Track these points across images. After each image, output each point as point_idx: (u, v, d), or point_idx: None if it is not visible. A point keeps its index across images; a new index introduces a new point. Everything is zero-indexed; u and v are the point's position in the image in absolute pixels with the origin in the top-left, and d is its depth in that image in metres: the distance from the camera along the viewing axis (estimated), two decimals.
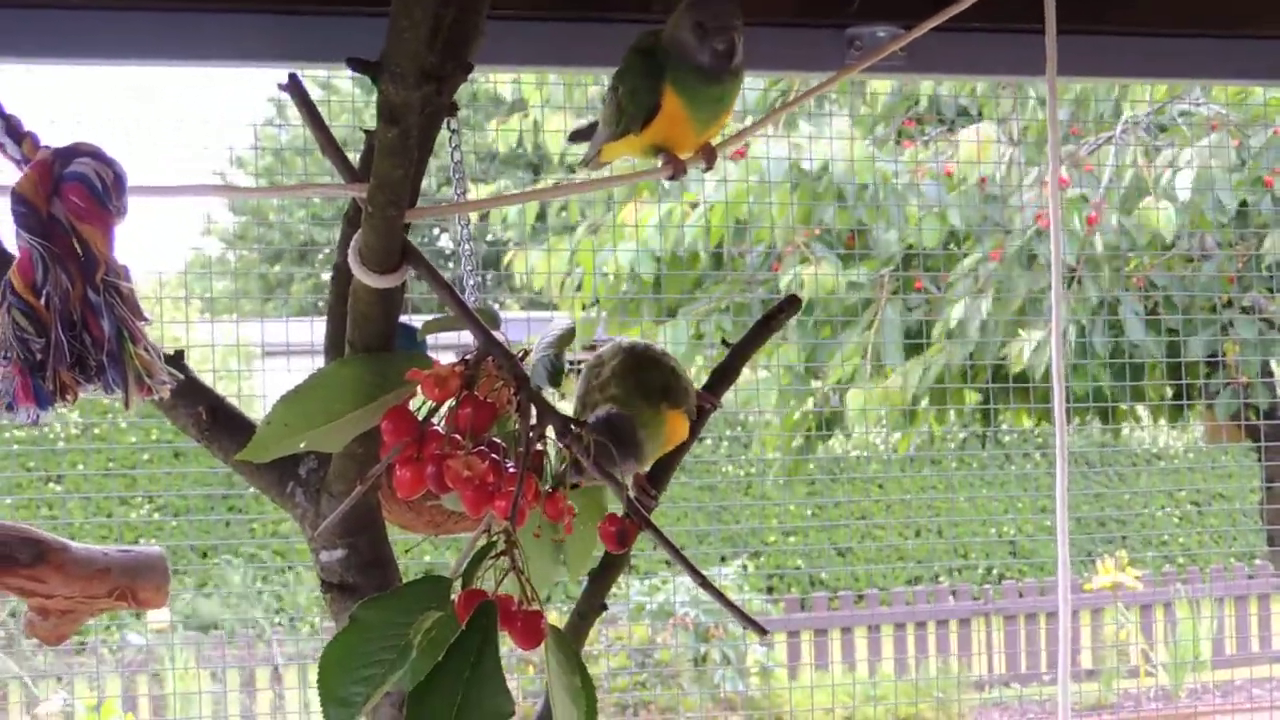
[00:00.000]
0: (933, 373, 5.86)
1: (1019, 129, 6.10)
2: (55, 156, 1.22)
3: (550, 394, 1.32)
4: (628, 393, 1.42)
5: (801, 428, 6.22)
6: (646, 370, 1.44)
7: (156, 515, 8.10)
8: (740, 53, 1.44)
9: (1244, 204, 6.14)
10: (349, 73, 1.27)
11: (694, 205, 5.89)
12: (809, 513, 10.17)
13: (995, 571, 10.07)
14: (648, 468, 1.50)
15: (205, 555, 8.01)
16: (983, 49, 2.09)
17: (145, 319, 1.23)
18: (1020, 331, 5.91)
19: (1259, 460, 7.82)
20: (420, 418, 1.24)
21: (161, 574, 1.62)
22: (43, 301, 1.18)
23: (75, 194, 1.20)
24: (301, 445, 1.29)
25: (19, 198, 1.19)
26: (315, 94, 1.26)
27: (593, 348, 1.52)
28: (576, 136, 1.69)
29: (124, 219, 1.24)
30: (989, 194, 6.01)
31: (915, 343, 6.00)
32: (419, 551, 5.61)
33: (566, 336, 1.44)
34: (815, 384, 6.15)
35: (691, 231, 5.85)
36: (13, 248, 1.21)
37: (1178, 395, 6.35)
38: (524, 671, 6.11)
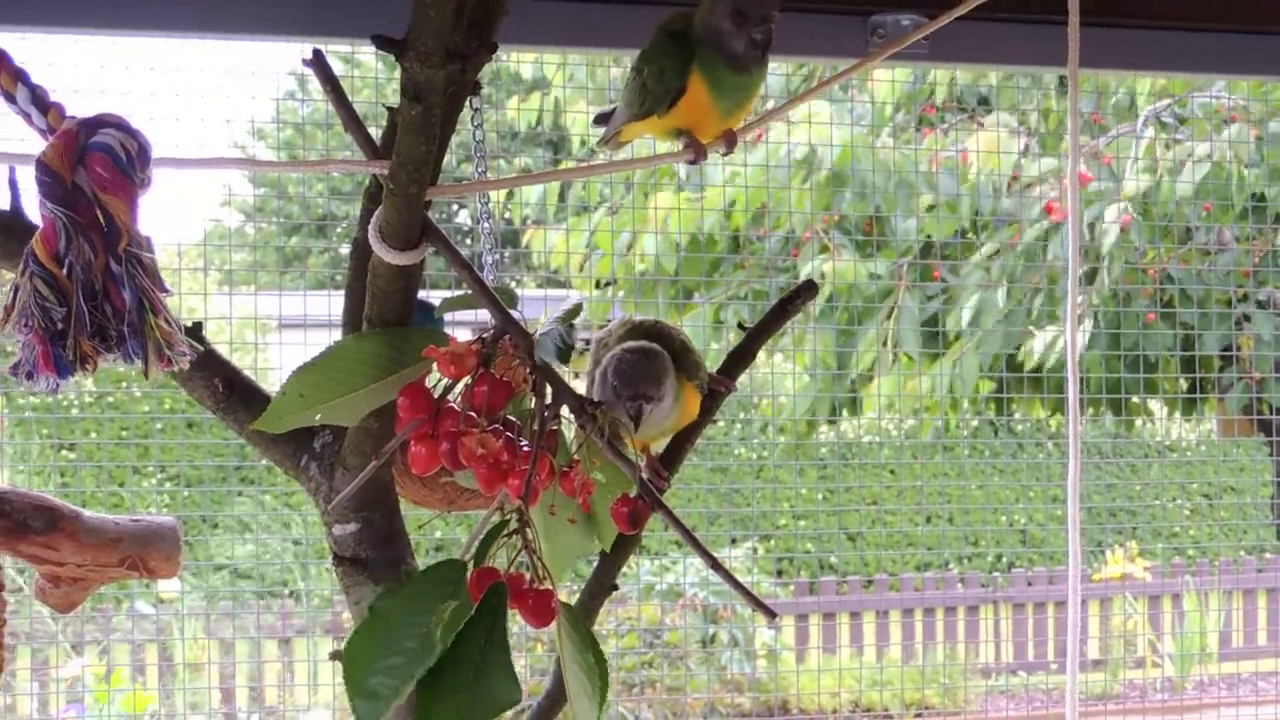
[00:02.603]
0: (966, 369, 5.84)
1: (1036, 119, 6.09)
2: (80, 127, 1.22)
3: (564, 372, 1.33)
4: None
5: (823, 408, 6.22)
6: (654, 340, 1.44)
7: (169, 485, 8.12)
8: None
9: (1261, 197, 6.12)
10: (372, 50, 1.27)
11: (711, 189, 5.89)
12: (820, 497, 10.16)
13: (1005, 560, 10.07)
14: (662, 442, 1.50)
15: (216, 526, 8.03)
16: (1005, 39, 2.09)
17: (166, 290, 1.24)
18: (1032, 328, 5.90)
19: (1271, 455, 7.81)
20: (436, 394, 1.25)
21: (173, 543, 1.62)
22: (65, 271, 1.19)
23: (99, 165, 1.20)
24: (316, 417, 1.30)
25: (44, 167, 1.19)
26: (338, 68, 1.27)
27: (605, 325, 1.52)
28: (601, 119, 1.69)
29: (148, 190, 1.24)
30: (998, 185, 6.00)
31: (932, 330, 5.99)
32: (430, 528, 5.62)
33: (574, 310, 1.45)
34: (840, 372, 6.14)
35: (711, 216, 5.85)
36: (37, 217, 1.22)
37: (1191, 389, 6.35)
38: (532, 650, 6.12)
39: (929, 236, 6.03)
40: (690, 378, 1.45)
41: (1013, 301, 5.87)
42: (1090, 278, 5.92)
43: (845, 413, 6.34)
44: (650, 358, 1.39)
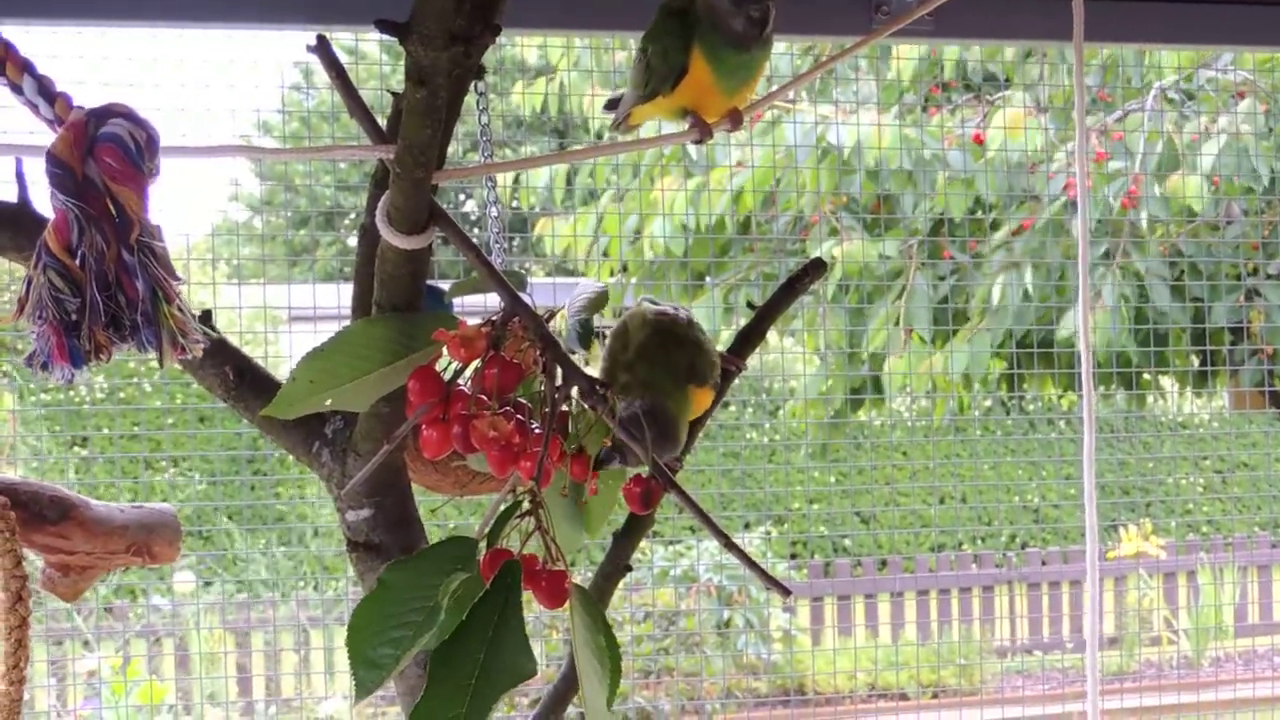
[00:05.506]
0: (979, 348, 5.82)
1: (1046, 95, 6.07)
2: (89, 117, 1.23)
3: (576, 357, 1.33)
4: (652, 372, 1.40)
5: (837, 392, 6.20)
6: (672, 351, 1.42)
7: (181, 478, 8.15)
8: (772, 22, 1.44)
9: (1270, 170, 6.10)
10: (376, 37, 1.28)
11: (731, 173, 5.87)
12: (833, 479, 10.16)
13: (1018, 539, 10.07)
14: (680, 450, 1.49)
15: (230, 518, 8.06)
16: (1010, 13, 2.08)
17: (179, 279, 1.24)
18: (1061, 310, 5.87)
19: None
20: (447, 378, 1.25)
21: (174, 530, 1.65)
22: (78, 262, 1.19)
23: (109, 155, 1.21)
24: (327, 403, 1.30)
25: (54, 159, 1.20)
26: (342, 59, 1.27)
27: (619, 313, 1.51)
28: (612, 105, 1.69)
29: (156, 179, 1.25)
30: (1017, 163, 5.97)
31: (943, 307, 5.98)
32: (443, 514, 5.62)
33: (599, 300, 1.44)
34: (852, 351, 6.12)
35: (722, 200, 5.84)
36: (46, 209, 1.22)
37: (1203, 363, 6.33)
38: (548, 637, 6.13)
39: (940, 213, 6.01)
40: (705, 380, 1.43)
41: (1040, 276, 5.84)
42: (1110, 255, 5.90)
43: (869, 400, 6.31)
44: (659, 421, 1.37)
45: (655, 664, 6.60)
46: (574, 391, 1.26)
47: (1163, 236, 6.09)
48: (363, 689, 1.14)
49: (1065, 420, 8.89)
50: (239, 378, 1.49)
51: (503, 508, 1.24)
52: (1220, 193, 5.94)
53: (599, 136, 6.19)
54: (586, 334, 1.41)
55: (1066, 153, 5.91)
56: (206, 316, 1.39)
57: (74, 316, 1.19)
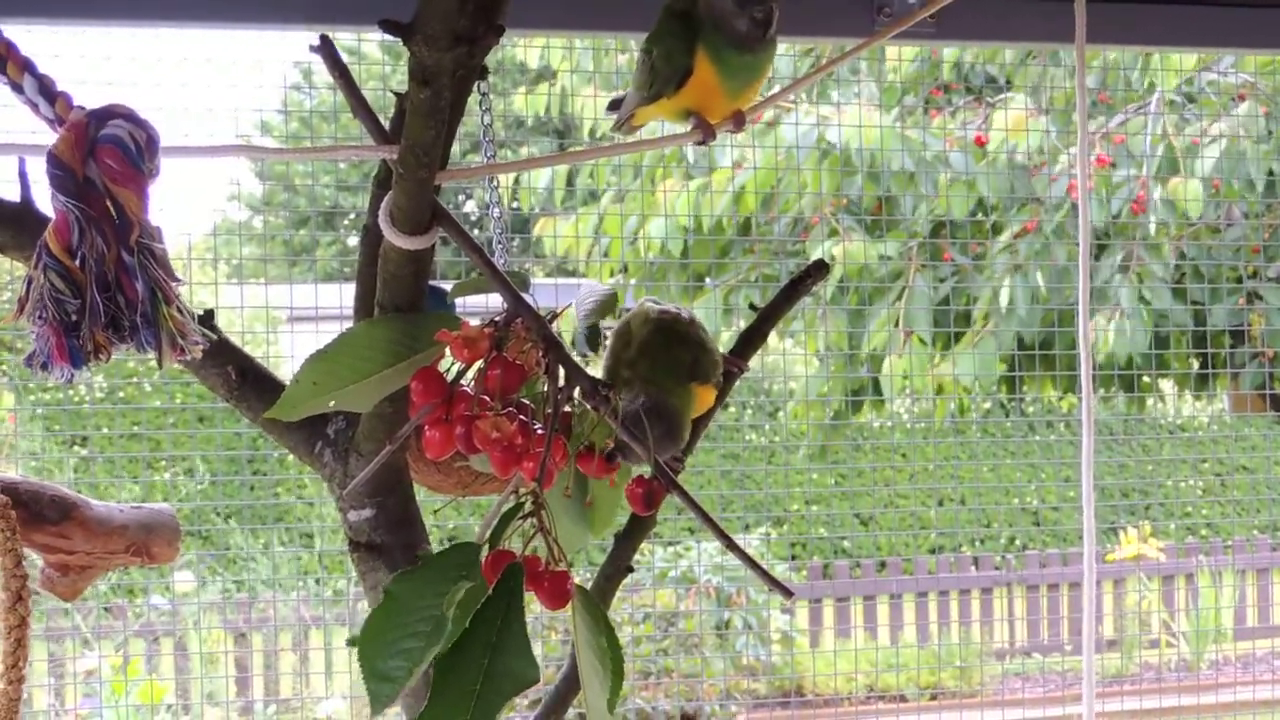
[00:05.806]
0: (988, 353, 5.82)
1: (1047, 98, 6.07)
2: (90, 118, 1.22)
3: (578, 357, 1.33)
4: (655, 370, 1.40)
5: (836, 394, 6.20)
6: (675, 348, 1.42)
7: (181, 478, 8.14)
8: (776, 23, 1.44)
9: (1270, 173, 6.10)
10: (376, 38, 1.27)
11: (732, 174, 5.86)
12: (832, 481, 10.16)
13: (1018, 541, 10.07)
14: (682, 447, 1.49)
15: (230, 518, 8.06)
16: (1012, 15, 2.08)
17: (178, 280, 1.24)
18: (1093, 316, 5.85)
19: None
20: (449, 379, 1.25)
21: (173, 530, 1.65)
22: (78, 263, 1.19)
23: (110, 156, 1.21)
24: (330, 404, 1.30)
25: (55, 161, 1.20)
26: (343, 59, 1.27)
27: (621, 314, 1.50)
28: (614, 106, 1.69)
29: (156, 179, 1.25)
30: (1018, 165, 5.97)
31: (944, 309, 5.98)
32: (444, 514, 5.62)
33: (608, 303, 1.44)
34: (852, 352, 6.12)
35: (722, 201, 5.84)
36: (47, 209, 1.22)
37: (1203, 366, 6.33)
38: (548, 638, 6.12)
39: (941, 215, 6.01)
40: (707, 379, 1.43)
41: (1044, 279, 5.84)
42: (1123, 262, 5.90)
43: (868, 401, 6.31)
44: (663, 417, 1.37)
45: (654, 665, 6.59)
46: (576, 392, 1.26)
47: (1163, 235, 6.09)
48: (378, 703, 1.13)
49: (1065, 423, 8.89)
50: (241, 377, 1.48)
51: (505, 509, 1.24)
52: (1220, 196, 5.94)
53: (591, 135, 6.19)
54: (595, 338, 1.41)
55: (1069, 155, 5.91)
56: (209, 317, 1.39)
57: (74, 317, 1.19)
